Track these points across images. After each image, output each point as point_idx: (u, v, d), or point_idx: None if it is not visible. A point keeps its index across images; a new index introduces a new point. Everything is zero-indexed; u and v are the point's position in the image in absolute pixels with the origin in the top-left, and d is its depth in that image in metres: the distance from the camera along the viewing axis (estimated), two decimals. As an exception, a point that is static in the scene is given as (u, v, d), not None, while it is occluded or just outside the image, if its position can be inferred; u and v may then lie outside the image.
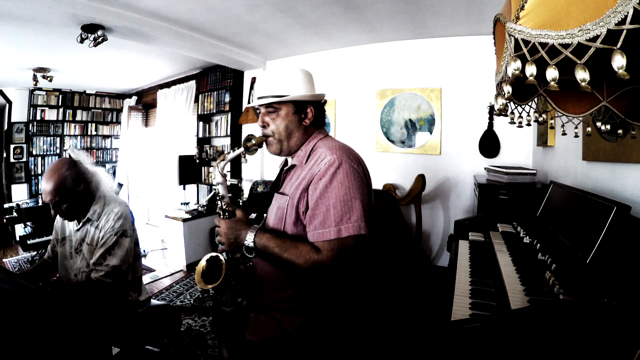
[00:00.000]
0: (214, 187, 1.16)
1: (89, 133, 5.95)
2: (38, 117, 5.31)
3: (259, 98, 1.17)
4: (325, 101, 1.25)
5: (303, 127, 1.17)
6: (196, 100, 4.82)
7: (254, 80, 4.29)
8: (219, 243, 1.13)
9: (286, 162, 1.29)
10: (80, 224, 1.51)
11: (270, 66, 4.32)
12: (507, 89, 0.62)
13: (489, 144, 3.23)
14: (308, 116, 1.17)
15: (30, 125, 5.24)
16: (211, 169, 4.72)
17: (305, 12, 2.87)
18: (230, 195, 1.17)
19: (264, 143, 1.19)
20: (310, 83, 1.19)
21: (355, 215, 1.01)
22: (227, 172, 1.18)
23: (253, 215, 1.31)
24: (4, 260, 4.03)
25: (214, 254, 1.12)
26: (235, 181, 4.24)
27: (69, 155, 1.54)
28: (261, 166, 4.43)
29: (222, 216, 1.14)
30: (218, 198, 1.15)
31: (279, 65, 4.26)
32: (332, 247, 1.00)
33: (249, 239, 1.07)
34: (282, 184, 1.22)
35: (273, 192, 1.22)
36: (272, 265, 1.11)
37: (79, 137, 5.83)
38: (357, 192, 1.03)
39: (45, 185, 1.38)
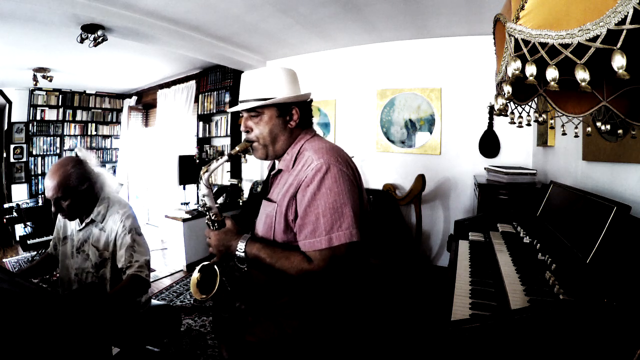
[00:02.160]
0: (200, 199, 1.13)
1: (89, 133, 5.95)
2: (38, 117, 5.31)
3: (240, 102, 1.13)
4: (312, 100, 1.20)
5: (289, 130, 1.12)
6: (196, 100, 4.82)
7: (254, 80, 4.28)
8: (211, 253, 1.11)
9: (274, 165, 1.25)
10: (83, 224, 1.51)
11: (271, 66, 4.32)
12: (507, 89, 0.62)
13: (489, 144, 3.23)
14: (293, 118, 1.12)
15: (30, 125, 5.24)
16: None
17: (305, 12, 2.87)
18: (217, 205, 1.14)
19: (250, 149, 1.14)
20: (294, 83, 1.14)
21: (346, 222, 0.98)
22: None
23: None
24: (4, 260, 4.03)
25: (206, 263, 1.10)
26: (235, 181, 4.24)
27: (76, 154, 1.54)
28: (261, 166, 4.43)
29: (211, 227, 1.12)
30: (205, 210, 1.12)
31: (279, 65, 4.26)
32: (323, 256, 0.98)
33: (240, 249, 1.05)
34: (270, 188, 1.18)
35: (261, 198, 1.18)
36: (264, 275, 1.09)
37: (79, 137, 5.83)
38: (347, 198, 1.00)
39: (49, 181, 1.38)
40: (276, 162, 1.21)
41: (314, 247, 0.99)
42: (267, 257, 1.01)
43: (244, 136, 1.17)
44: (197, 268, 1.10)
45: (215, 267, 1.07)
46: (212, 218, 1.11)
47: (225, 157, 1.11)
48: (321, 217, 0.98)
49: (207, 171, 1.10)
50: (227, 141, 4.54)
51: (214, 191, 4.49)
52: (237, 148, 1.12)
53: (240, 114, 1.16)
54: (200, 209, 3.99)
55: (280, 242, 1.07)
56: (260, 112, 1.10)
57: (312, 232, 0.99)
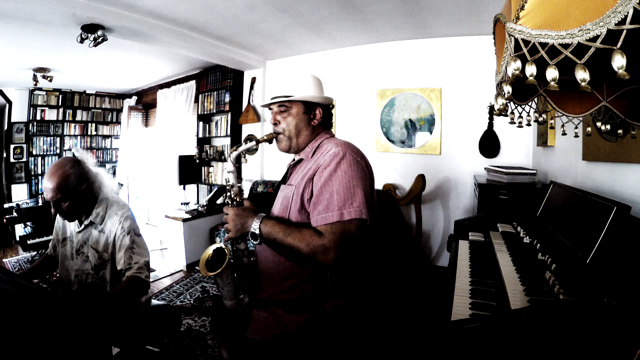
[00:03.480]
0: (226, 175, 1.22)
1: (89, 133, 5.95)
2: (38, 117, 5.31)
3: (272, 98, 1.25)
4: (333, 105, 1.33)
5: (311, 127, 1.25)
6: (196, 100, 4.82)
7: (254, 80, 4.29)
8: (227, 230, 1.16)
9: (293, 159, 1.35)
10: (82, 226, 1.51)
11: (270, 66, 4.33)
12: (507, 89, 0.62)
13: (489, 144, 3.22)
14: (317, 117, 1.25)
15: (30, 125, 5.24)
16: (211, 169, 4.72)
17: (305, 12, 2.87)
18: (239, 185, 1.21)
19: (275, 139, 1.26)
20: (320, 88, 1.28)
21: (357, 201, 1.05)
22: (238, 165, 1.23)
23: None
24: (4, 260, 4.03)
25: (220, 244, 1.16)
26: (235, 181, 4.24)
27: (73, 154, 1.54)
28: (261, 166, 4.43)
29: (230, 204, 1.19)
30: (228, 187, 1.19)
31: (279, 65, 4.27)
32: (334, 230, 1.03)
33: (255, 225, 1.10)
34: (289, 177, 1.28)
35: (280, 185, 1.27)
36: (276, 253, 1.14)
37: (79, 137, 5.83)
38: (360, 181, 1.08)
39: (48, 182, 1.37)
40: (296, 156, 1.30)
41: (325, 221, 1.04)
42: (280, 231, 1.07)
43: (246, 135, 1.23)
44: (212, 247, 1.17)
45: (227, 244, 1.14)
46: (232, 196, 1.19)
47: (253, 142, 1.22)
48: (335, 194, 1.06)
49: (235, 150, 1.21)
50: (227, 141, 4.54)
51: (213, 192, 4.49)
52: (264, 136, 1.25)
53: (270, 109, 1.29)
54: (200, 208, 3.99)
55: (294, 222, 1.14)
56: (288, 107, 1.23)
57: (325, 208, 1.06)
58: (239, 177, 4.66)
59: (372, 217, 1.11)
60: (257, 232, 1.09)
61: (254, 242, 1.13)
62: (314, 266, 1.09)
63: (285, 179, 1.31)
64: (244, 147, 1.21)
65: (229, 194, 1.19)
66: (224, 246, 1.13)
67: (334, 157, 1.10)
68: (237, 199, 1.18)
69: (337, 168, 1.08)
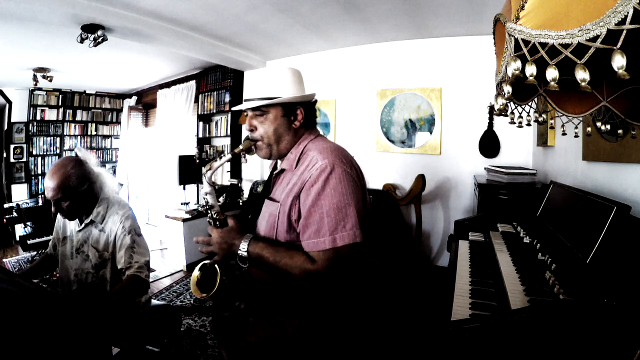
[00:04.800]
0: (203, 197, 1.14)
1: (89, 133, 5.95)
2: (38, 117, 5.31)
3: (245, 101, 1.12)
4: (316, 100, 1.20)
5: (293, 130, 1.12)
6: (196, 100, 4.82)
7: (254, 80, 4.29)
8: (210, 252, 1.09)
9: (276, 164, 1.24)
10: (82, 225, 1.51)
11: (271, 66, 4.33)
12: (507, 89, 0.62)
13: (489, 144, 3.22)
14: (298, 118, 1.12)
15: (30, 125, 5.23)
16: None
17: (305, 12, 2.87)
18: (220, 204, 1.14)
19: (253, 148, 1.13)
20: (300, 83, 1.14)
21: (350, 222, 0.99)
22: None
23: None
24: (4, 260, 4.03)
25: (207, 262, 1.09)
26: (235, 181, 4.24)
27: (76, 154, 1.54)
28: (261, 166, 4.43)
29: (213, 225, 1.11)
30: (207, 208, 1.11)
31: (282, 65, 4.27)
32: (327, 256, 0.98)
33: (243, 248, 1.04)
34: (272, 188, 1.18)
35: (263, 197, 1.18)
36: (267, 274, 1.09)
37: (79, 137, 5.82)
38: (351, 198, 1.00)
39: (49, 181, 1.38)
40: (278, 161, 1.20)
41: (317, 248, 0.99)
42: (270, 256, 1.01)
43: (246, 135, 1.16)
44: (198, 266, 1.10)
45: (216, 265, 1.07)
46: (214, 216, 1.11)
47: (229, 156, 1.11)
48: (325, 217, 0.98)
49: (210, 169, 1.10)
50: (227, 141, 4.54)
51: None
52: (240, 147, 1.12)
53: (245, 113, 1.16)
54: (200, 208, 3.99)
55: (283, 242, 1.07)
56: (265, 111, 1.09)
57: (316, 232, 0.99)
58: (238, 177, 4.65)
59: (366, 228, 1.06)
60: (246, 255, 1.03)
61: (243, 266, 1.07)
62: (305, 284, 1.04)
63: (268, 190, 1.19)
64: (218, 163, 1.10)
65: (210, 214, 1.11)
66: (217, 268, 1.07)
67: (321, 173, 1.00)
68: (220, 218, 1.10)
69: (326, 185, 0.99)
